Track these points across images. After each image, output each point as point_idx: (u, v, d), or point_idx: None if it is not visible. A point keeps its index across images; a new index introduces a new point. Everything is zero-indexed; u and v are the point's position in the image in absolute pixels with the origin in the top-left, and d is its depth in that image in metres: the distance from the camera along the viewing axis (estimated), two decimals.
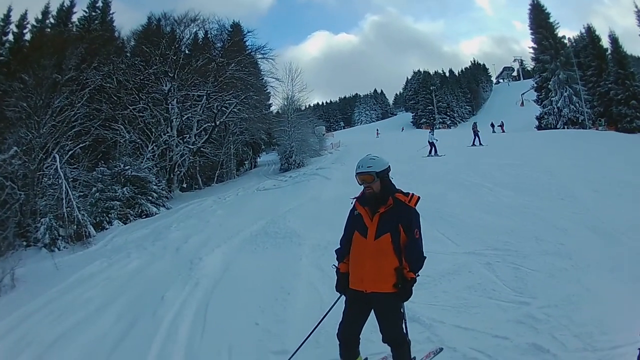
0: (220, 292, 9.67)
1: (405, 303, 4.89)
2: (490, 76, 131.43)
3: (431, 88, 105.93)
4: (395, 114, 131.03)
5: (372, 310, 4.89)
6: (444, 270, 8.81)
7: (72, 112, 26.13)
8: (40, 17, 37.83)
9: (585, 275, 7.86)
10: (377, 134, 77.46)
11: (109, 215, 21.76)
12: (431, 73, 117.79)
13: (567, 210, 12.44)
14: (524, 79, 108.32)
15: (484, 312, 7.02)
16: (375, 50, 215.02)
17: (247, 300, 8.82)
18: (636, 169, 18.36)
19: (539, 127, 55.94)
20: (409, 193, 4.93)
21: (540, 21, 58.05)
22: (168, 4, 79.29)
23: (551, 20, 58.36)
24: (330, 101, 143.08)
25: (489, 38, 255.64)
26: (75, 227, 18.83)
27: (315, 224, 14.27)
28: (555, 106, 54.72)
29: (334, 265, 5.29)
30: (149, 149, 30.33)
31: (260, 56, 39.10)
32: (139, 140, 30.71)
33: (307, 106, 52.91)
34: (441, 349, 5.86)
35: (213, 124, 34.10)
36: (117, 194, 22.68)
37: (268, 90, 44.06)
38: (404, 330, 4.94)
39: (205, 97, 33.79)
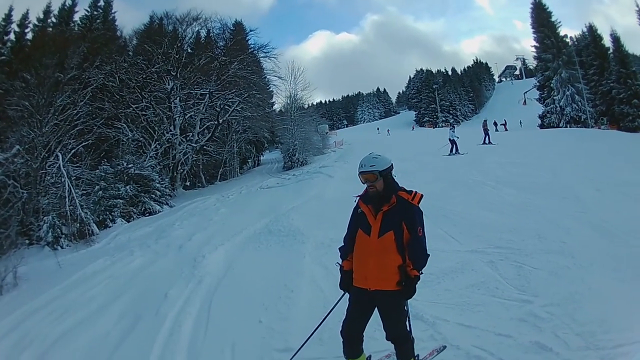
0: (223, 290, 9.68)
1: (408, 301, 4.91)
2: (492, 75, 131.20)
3: (434, 87, 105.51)
4: (398, 113, 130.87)
5: (376, 308, 4.90)
6: (447, 268, 8.82)
7: (75, 110, 26.11)
8: (42, 16, 37.70)
9: (588, 274, 7.84)
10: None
11: (112, 213, 21.75)
12: (434, 72, 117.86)
13: (570, 208, 12.42)
14: (526, 77, 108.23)
15: (487, 310, 7.01)
16: (376, 49, 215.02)
17: (251, 298, 8.85)
18: (638, 169, 18.36)
19: (542, 126, 56.01)
20: (412, 191, 4.95)
21: (542, 20, 58.04)
22: (169, 3, 79.05)
23: (553, 19, 58.42)
24: (333, 99, 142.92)
25: (489, 37, 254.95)
26: (78, 225, 18.86)
27: (319, 222, 14.29)
28: (557, 105, 54.77)
29: (337, 263, 5.32)
30: (152, 147, 30.29)
31: (262, 55, 39.13)
32: (141, 139, 30.70)
33: (310, 104, 53.10)
34: (444, 347, 5.87)
35: (216, 122, 34.05)
36: (120, 192, 22.69)
37: (271, 89, 44.02)
38: (408, 328, 4.96)
39: (208, 95, 33.71)
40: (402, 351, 4.94)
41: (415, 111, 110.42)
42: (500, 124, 55.24)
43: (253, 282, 9.97)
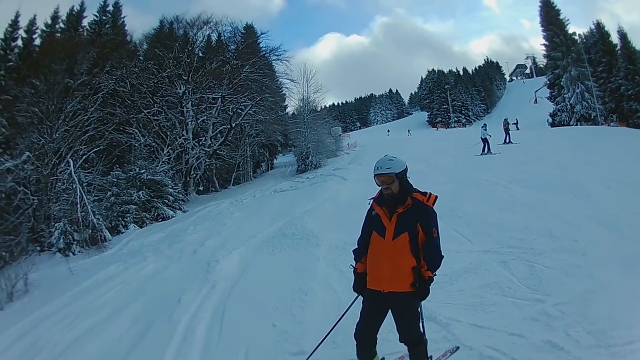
0: (237, 294, 9.67)
1: (422, 302, 4.87)
2: (503, 74, 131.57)
3: (446, 87, 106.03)
4: (411, 114, 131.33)
5: (389, 310, 4.88)
6: (460, 269, 8.79)
7: (85, 116, 26.20)
8: (49, 21, 37.69)
9: (599, 272, 7.81)
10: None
11: (125, 219, 21.79)
12: (445, 72, 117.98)
13: (581, 206, 12.40)
14: (537, 76, 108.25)
15: (499, 310, 6.99)
16: (387, 51, 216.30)
17: (265, 302, 8.83)
18: None
19: (553, 124, 56.05)
20: (426, 192, 4.93)
21: (550, 18, 58.22)
22: (179, 7, 79.56)
23: (561, 17, 58.57)
24: (346, 102, 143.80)
25: (497, 37, 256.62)
26: (90, 231, 18.93)
27: (332, 225, 14.24)
28: (568, 103, 54.81)
29: (351, 265, 5.29)
30: (165, 152, 30.32)
31: (274, 58, 39.22)
32: (154, 144, 30.74)
33: (323, 107, 53.26)
34: (457, 348, 5.86)
35: (229, 127, 34.05)
36: (133, 197, 22.74)
37: (283, 92, 44.11)
38: (421, 330, 4.93)
39: (220, 99, 33.77)
40: (415, 353, 4.92)
41: (428, 112, 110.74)
42: (512, 123, 55.10)
43: (267, 285, 9.96)
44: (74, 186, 20.11)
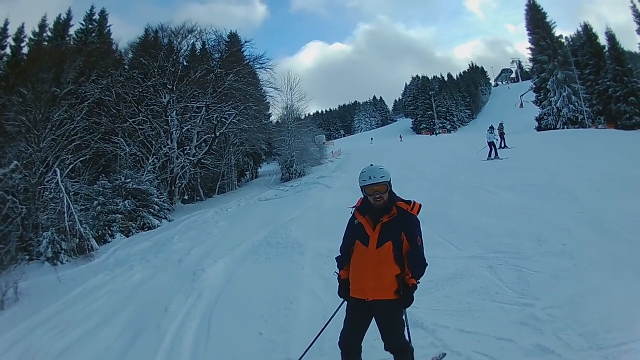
0: (223, 303, 9.67)
1: (407, 309, 4.93)
2: (488, 79, 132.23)
3: (430, 93, 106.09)
4: (395, 120, 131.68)
5: (373, 318, 4.92)
6: (447, 275, 8.81)
7: (72, 125, 26.09)
8: (37, 30, 38.07)
9: (588, 275, 7.85)
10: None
11: (111, 228, 21.76)
12: (429, 78, 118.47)
13: (569, 209, 12.42)
14: (522, 80, 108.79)
15: (487, 315, 7.02)
16: (370, 58, 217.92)
17: (251, 311, 8.84)
18: (636, 163, 18.53)
19: (539, 128, 56.37)
20: (410, 201, 4.97)
21: (537, 21, 58.55)
22: (164, 16, 79.74)
23: (548, 20, 58.92)
24: (330, 109, 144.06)
25: (482, 42, 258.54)
26: (77, 240, 18.87)
27: (317, 233, 14.26)
28: (554, 106, 55.11)
29: (335, 272, 5.35)
30: (150, 161, 30.26)
31: (258, 66, 39.25)
32: (139, 153, 30.65)
33: (307, 115, 53.34)
34: (444, 354, 5.88)
35: (213, 135, 34.03)
36: (119, 206, 22.69)
37: (267, 100, 44.19)
38: (407, 337, 4.98)
39: (204, 108, 33.82)
40: None
41: (412, 118, 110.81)
42: (496, 128, 55.27)
43: (253, 294, 9.96)
44: (61, 195, 20.04)
